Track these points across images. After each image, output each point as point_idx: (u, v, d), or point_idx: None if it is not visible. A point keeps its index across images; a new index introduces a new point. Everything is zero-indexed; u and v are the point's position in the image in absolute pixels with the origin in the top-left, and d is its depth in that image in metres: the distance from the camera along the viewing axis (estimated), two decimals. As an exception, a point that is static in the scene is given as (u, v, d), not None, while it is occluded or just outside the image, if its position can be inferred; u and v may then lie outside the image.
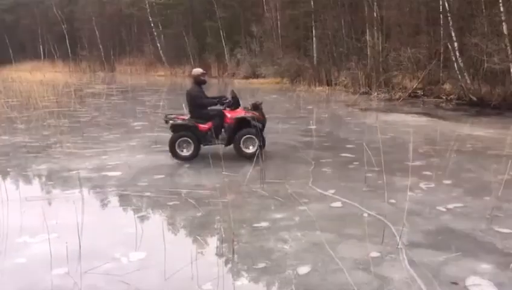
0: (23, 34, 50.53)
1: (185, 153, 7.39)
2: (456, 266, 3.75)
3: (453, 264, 3.78)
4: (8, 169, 7.18)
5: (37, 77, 22.89)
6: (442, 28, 16.75)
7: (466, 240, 4.27)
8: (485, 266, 3.73)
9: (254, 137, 7.34)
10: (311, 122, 11.08)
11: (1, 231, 4.56)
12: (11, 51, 33.93)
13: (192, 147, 7.37)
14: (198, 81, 7.61)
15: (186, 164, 7.26)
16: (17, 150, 8.45)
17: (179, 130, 7.41)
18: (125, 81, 30.94)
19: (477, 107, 14.16)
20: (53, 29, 47.66)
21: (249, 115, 7.44)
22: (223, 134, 7.51)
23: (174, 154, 7.39)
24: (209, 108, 7.54)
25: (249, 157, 6.96)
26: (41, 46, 49.63)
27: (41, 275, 3.70)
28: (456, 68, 15.72)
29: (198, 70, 7.76)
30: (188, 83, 27.07)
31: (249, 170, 6.33)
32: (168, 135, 9.31)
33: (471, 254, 3.95)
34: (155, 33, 37.65)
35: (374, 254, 3.93)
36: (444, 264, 3.76)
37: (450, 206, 5.16)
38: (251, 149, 7.38)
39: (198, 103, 7.43)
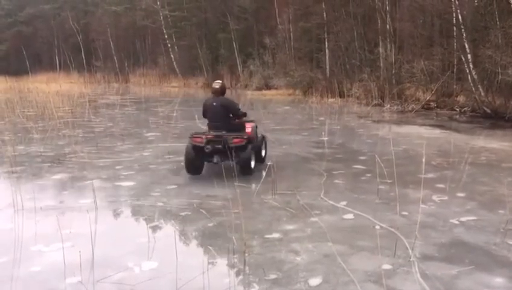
0: (40, 46, 51.41)
1: None
2: (470, 279, 3.71)
3: (466, 277, 3.74)
4: (23, 178, 7.28)
5: (53, 88, 23.25)
6: (455, 40, 16.71)
7: (479, 253, 4.23)
8: (499, 280, 3.70)
9: None
10: (323, 133, 11.10)
11: (16, 240, 4.63)
12: (27, 62, 34.51)
13: None
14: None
15: (198, 175, 7.30)
16: (33, 159, 8.57)
17: None
18: (139, 92, 31.25)
19: (492, 119, 14.05)
20: (69, 40, 48.46)
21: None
22: None
23: None
24: None
25: None
26: (57, 58, 50.41)
27: (55, 283, 3.74)
28: (470, 80, 15.63)
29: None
30: (201, 94, 27.33)
31: (261, 181, 6.34)
32: (179, 145, 9.41)
33: (484, 267, 3.91)
34: (169, 45, 38.03)
35: (386, 267, 3.91)
36: (457, 278, 3.73)
37: (464, 219, 5.12)
38: None
39: None
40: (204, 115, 7.44)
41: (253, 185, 6.41)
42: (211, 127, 7.25)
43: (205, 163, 7.25)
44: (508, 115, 13.74)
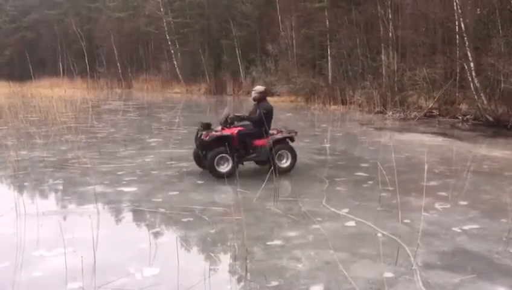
0: (44, 51, 51.66)
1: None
2: (472, 288, 3.70)
3: (469, 286, 3.73)
4: (26, 183, 7.30)
5: (57, 93, 23.30)
6: (458, 48, 16.71)
7: (482, 262, 4.21)
8: (501, 289, 3.68)
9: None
10: (325, 140, 11.09)
11: (18, 245, 4.63)
12: (31, 68, 34.70)
13: None
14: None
15: (201, 181, 7.31)
16: (35, 164, 8.59)
17: None
18: (142, 97, 31.33)
19: (494, 127, 14.02)
20: (72, 46, 48.64)
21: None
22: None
23: None
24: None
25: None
26: (60, 63, 50.60)
27: (57, 289, 3.75)
28: (473, 88, 15.62)
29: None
30: (204, 100, 27.36)
31: (262, 188, 6.34)
32: (181, 151, 9.43)
33: (487, 276, 3.90)
34: (172, 51, 38.15)
35: (388, 275, 3.90)
36: (459, 286, 3.72)
37: (466, 227, 5.11)
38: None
39: None
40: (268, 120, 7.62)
41: (256, 192, 6.40)
42: (266, 132, 7.61)
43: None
44: (511, 124, 13.71)
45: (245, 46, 31.86)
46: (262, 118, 7.45)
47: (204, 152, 7.52)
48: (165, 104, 24.85)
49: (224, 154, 7.30)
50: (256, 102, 7.82)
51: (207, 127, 7.62)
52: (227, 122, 7.59)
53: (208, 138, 7.31)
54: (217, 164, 7.28)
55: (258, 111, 7.60)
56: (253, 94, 7.83)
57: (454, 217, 5.50)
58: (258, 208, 5.85)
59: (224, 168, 7.33)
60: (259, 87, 7.94)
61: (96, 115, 17.23)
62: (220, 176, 7.19)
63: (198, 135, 7.60)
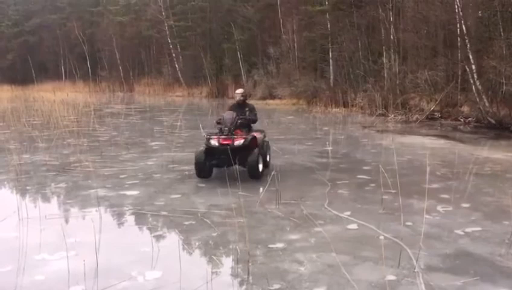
0: (46, 55, 51.77)
1: None
2: (474, 291, 3.70)
3: (471, 289, 3.72)
4: (28, 187, 7.31)
5: (59, 97, 23.35)
6: (459, 51, 16.70)
7: (484, 264, 4.20)
8: (504, 292, 3.68)
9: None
10: (327, 143, 11.10)
11: (20, 248, 4.64)
12: (33, 71, 34.72)
13: None
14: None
15: (202, 184, 7.31)
16: (38, 168, 8.61)
17: None
18: (144, 101, 31.38)
19: (496, 130, 14.00)
20: (74, 50, 48.78)
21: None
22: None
23: None
24: None
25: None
26: (62, 67, 50.73)
27: (59, 292, 3.75)
28: (474, 91, 15.61)
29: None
30: (206, 103, 27.38)
31: (264, 191, 6.35)
32: (183, 154, 9.44)
33: (489, 278, 3.89)
34: (173, 54, 38.24)
35: (390, 277, 3.89)
36: (461, 289, 3.71)
37: (468, 230, 5.09)
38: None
39: None
40: None
41: (258, 195, 6.40)
42: None
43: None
44: (513, 126, 13.70)
45: (247, 50, 31.89)
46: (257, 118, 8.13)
47: (233, 156, 7.29)
48: (167, 108, 24.89)
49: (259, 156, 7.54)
50: (237, 103, 8.20)
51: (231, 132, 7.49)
52: (236, 125, 7.62)
53: (244, 141, 7.32)
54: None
55: (248, 112, 8.01)
56: (239, 97, 8.28)
57: (457, 219, 5.49)
58: (260, 211, 5.86)
59: (260, 168, 7.56)
60: (242, 90, 8.61)
61: (98, 118, 17.25)
62: (259, 177, 7.36)
63: (210, 139, 7.39)
